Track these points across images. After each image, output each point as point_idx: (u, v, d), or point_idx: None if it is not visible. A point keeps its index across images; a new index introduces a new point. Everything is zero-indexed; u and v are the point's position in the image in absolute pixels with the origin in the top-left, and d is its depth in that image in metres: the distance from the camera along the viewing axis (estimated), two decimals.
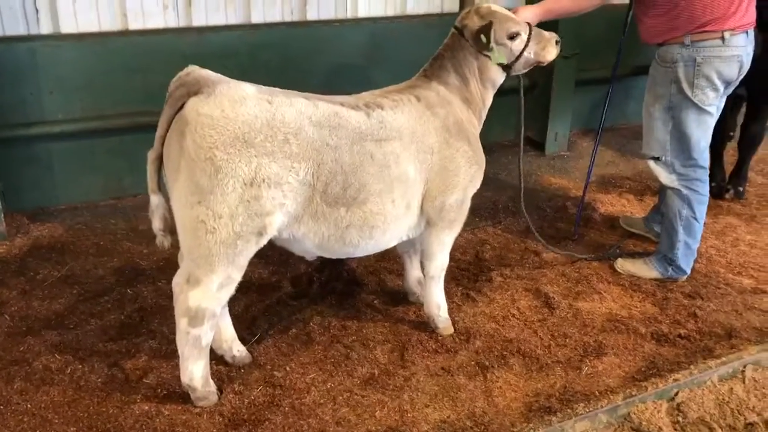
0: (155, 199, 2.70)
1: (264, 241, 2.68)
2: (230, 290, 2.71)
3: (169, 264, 3.99)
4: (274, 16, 5.03)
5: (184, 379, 2.83)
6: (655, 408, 2.89)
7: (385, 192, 2.83)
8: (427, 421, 2.83)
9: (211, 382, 2.91)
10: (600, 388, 3.02)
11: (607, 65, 5.76)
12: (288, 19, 5.08)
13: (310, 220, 2.74)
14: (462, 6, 3.29)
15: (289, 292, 3.76)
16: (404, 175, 2.88)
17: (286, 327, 3.43)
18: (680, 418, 2.89)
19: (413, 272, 3.59)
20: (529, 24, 3.22)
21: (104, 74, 4.53)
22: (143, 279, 3.84)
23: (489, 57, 3.12)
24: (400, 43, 5.31)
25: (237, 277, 2.70)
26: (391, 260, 3.99)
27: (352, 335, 3.37)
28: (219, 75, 2.64)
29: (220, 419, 2.82)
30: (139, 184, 4.81)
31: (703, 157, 3.68)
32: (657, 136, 3.70)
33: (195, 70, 2.63)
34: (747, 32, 3.46)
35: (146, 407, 2.87)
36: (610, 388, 3.02)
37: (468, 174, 3.09)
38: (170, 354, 3.21)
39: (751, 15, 3.46)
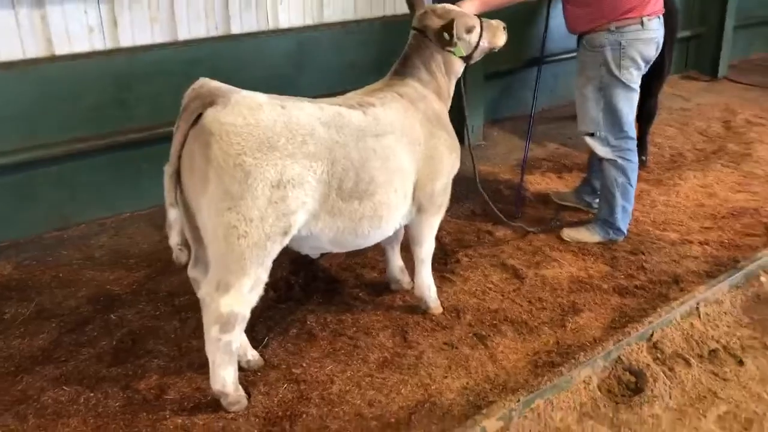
0: (173, 213, 2.72)
1: (287, 241, 2.79)
2: (259, 292, 2.79)
3: (142, 287, 3.95)
4: (200, 31, 5.04)
5: (216, 386, 2.87)
6: (639, 348, 3.29)
7: (389, 183, 3.03)
8: (450, 390, 3.05)
9: (240, 386, 2.97)
10: (588, 339, 3.38)
11: (507, 59, 6.29)
12: (213, 33, 5.10)
13: (327, 216, 2.88)
14: (412, 8, 3.54)
15: (273, 297, 3.82)
16: (401, 166, 3.09)
17: (285, 329, 3.52)
18: (659, 355, 3.30)
19: (396, 261, 3.80)
20: (478, 16, 3.54)
21: (36, 102, 4.36)
22: (121, 304, 3.77)
23: (453, 52, 3.40)
24: (322, 50, 5.50)
25: (264, 278, 2.79)
26: (361, 255, 4.16)
27: (352, 327, 3.53)
28: (228, 86, 2.73)
29: (257, 420, 2.90)
30: (82, 212, 4.71)
31: (632, 129, 4.16)
32: (591, 114, 4.13)
33: (207, 82, 2.70)
34: (659, 17, 3.97)
35: (179, 421, 2.89)
36: (597, 338, 3.39)
37: (450, 160, 3.35)
38: (180, 369, 3.23)
39: (661, 3, 3.98)
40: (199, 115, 2.62)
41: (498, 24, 3.56)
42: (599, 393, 3.07)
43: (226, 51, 5.08)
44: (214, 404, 2.96)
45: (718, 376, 3.17)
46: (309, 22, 5.55)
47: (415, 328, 3.51)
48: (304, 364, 3.24)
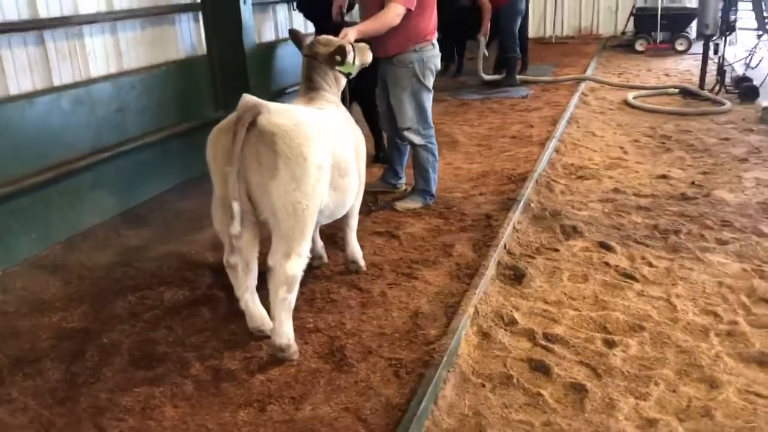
0: (236, 206, 3.36)
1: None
2: (308, 255, 3.58)
3: (96, 317, 4.15)
4: (27, 85, 5.14)
5: (282, 340, 3.54)
6: (502, 255, 4.85)
7: (353, 164, 4.06)
8: (423, 305, 4.16)
9: None
10: (472, 257, 4.81)
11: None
12: (39, 86, 5.24)
13: (332, 191, 3.78)
14: (297, 42, 4.55)
15: (222, 297, 4.41)
16: (350, 153, 4.12)
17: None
18: (514, 256, 4.89)
19: (319, 242, 4.72)
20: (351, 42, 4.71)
21: None
22: (97, 332, 3.95)
23: (341, 70, 4.51)
24: (136, 93, 5.99)
25: (311, 243, 3.59)
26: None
27: (314, 294, 4.36)
28: (259, 99, 3.46)
29: (315, 358, 3.64)
30: None
31: (431, 122, 5.75)
32: (408, 114, 5.59)
33: (249, 97, 3.40)
34: (437, 40, 5.64)
35: (261, 377, 3.48)
36: (475, 256, 4.84)
37: (364, 148, 4.47)
38: (212, 354, 3.71)
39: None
40: (251, 123, 3.34)
41: (365, 46, 4.78)
42: (502, 284, 4.53)
43: (59, 101, 5.26)
44: (273, 360, 3.60)
45: (552, 259, 4.89)
46: (113, 70, 5.96)
47: (360, 281, 4.51)
48: (310, 320, 4.03)
